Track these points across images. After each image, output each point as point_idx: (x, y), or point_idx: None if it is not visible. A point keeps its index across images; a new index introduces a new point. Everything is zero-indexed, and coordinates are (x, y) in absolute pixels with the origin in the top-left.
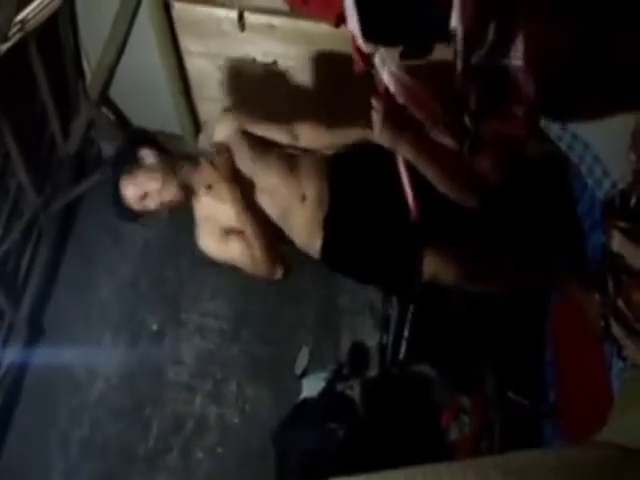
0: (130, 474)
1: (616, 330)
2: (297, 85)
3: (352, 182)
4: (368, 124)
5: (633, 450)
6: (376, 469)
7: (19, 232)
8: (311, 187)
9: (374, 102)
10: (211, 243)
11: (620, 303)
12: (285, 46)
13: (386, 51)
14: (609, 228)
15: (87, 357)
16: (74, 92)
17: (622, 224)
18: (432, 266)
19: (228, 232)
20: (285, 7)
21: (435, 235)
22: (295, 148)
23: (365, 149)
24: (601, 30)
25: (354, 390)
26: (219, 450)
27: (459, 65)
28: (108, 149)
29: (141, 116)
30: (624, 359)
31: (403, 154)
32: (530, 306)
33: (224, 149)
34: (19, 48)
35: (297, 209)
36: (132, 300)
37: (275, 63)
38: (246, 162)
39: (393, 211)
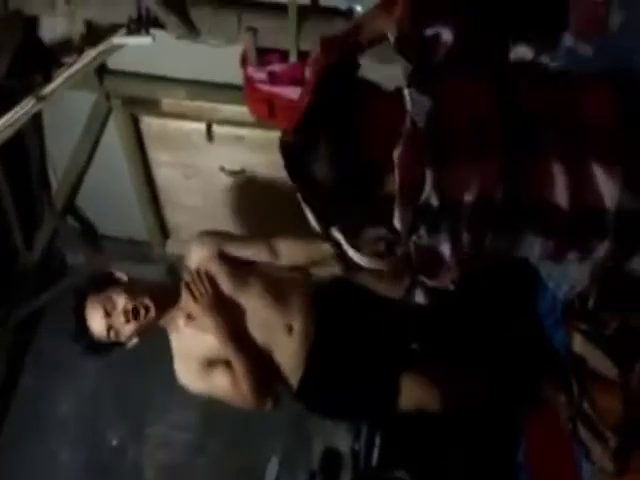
0: None
1: (583, 434)
2: (266, 193)
3: (334, 316)
4: None
5: None
6: None
7: None
8: (298, 319)
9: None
10: (194, 377)
11: (586, 406)
12: (253, 155)
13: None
14: (570, 330)
15: (42, 476)
16: (39, 201)
17: (583, 326)
18: (411, 401)
19: (211, 364)
20: (253, 118)
21: (410, 365)
22: (275, 266)
23: (345, 282)
24: (516, 163)
25: None
26: None
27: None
28: (72, 259)
29: (108, 224)
30: (593, 463)
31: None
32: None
33: (203, 276)
34: None
35: (283, 341)
36: (92, 414)
37: (243, 171)
38: (227, 290)
39: (373, 346)
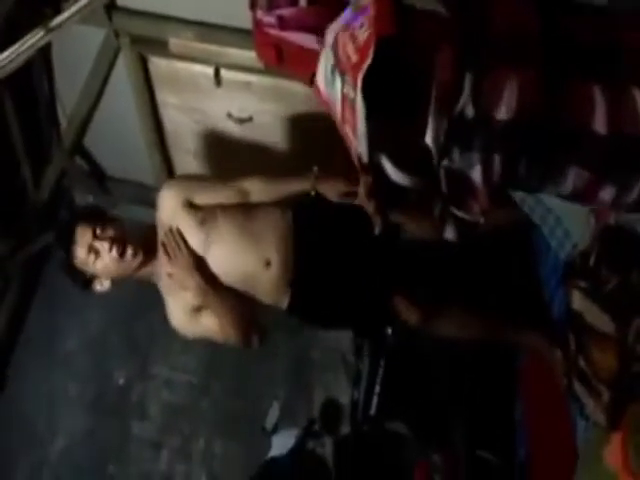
0: None
1: (578, 389)
2: (272, 141)
3: (313, 236)
4: (315, 174)
5: None
6: None
7: None
8: (274, 251)
9: (362, 177)
10: (183, 324)
11: (581, 362)
12: (261, 102)
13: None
14: (570, 288)
15: (50, 411)
16: (47, 140)
17: (582, 284)
18: (401, 309)
19: (198, 309)
20: (261, 65)
21: (403, 280)
22: (245, 213)
23: (322, 201)
24: (557, 78)
25: (325, 448)
26: None
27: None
28: (80, 198)
29: (116, 166)
30: (586, 418)
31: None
32: (499, 366)
33: (176, 234)
34: None
35: (262, 275)
36: (99, 353)
37: (251, 119)
38: (198, 243)
39: (357, 257)
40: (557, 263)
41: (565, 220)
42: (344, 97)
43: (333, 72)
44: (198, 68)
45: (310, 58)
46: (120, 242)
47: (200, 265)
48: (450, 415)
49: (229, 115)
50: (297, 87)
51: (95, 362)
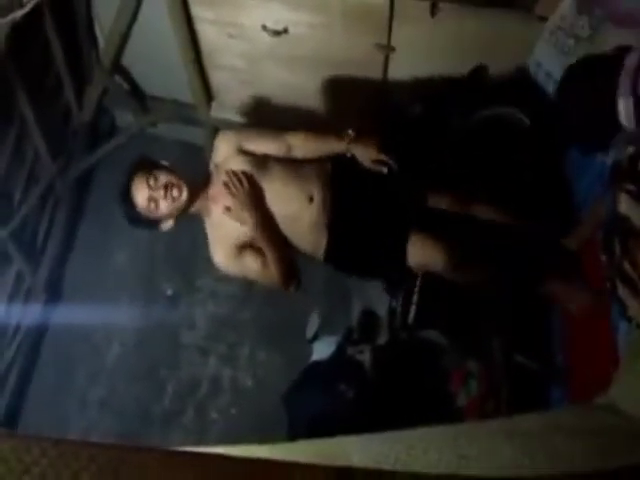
0: (146, 433)
1: (622, 291)
2: (307, 53)
3: (348, 187)
4: (350, 136)
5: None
6: (384, 430)
7: (36, 198)
8: (317, 190)
9: None
10: (227, 260)
11: (626, 265)
12: (296, 14)
13: None
14: (617, 191)
15: (104, 321)
16: (88, 60)
17: (630, 187)
18: (420, 255)
19: (243, 247)
20: None
21: (421, 224)
22: (291, 159)
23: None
24: None
25: (364, 355)
26: (232, 411)
27: None
28: (121, 117)
29: (153, 84)
30: (629, 320)
31: None
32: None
33: (239, 173)
34: (34, 15)
35: (305, 211)
36: (147, 266)
37: (286, 30)
38: (253, 177)
39: (384, 211)
40: (603, 169)
41: None
42: None
43: None
44: None
45: None
46: (173, 186)
47: (257, 202)
48: (487, 322)
49: (264, 27)
50: None
51: (144, 275)
